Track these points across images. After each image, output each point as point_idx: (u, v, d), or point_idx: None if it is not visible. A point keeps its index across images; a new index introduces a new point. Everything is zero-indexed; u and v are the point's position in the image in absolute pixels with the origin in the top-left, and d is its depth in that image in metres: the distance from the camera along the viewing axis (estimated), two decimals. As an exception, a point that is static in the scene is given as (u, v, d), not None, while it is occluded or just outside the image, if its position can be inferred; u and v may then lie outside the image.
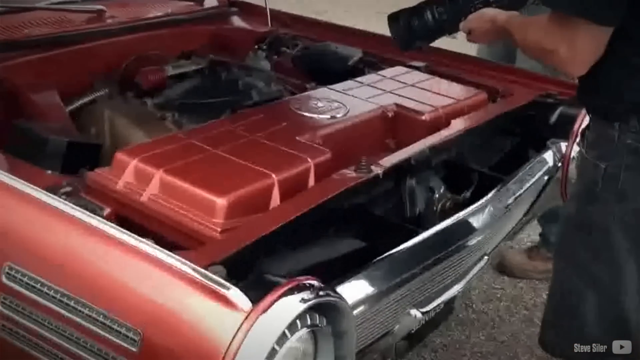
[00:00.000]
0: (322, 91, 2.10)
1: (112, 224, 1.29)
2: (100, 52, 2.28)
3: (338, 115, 1.91)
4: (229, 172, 1.55)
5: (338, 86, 2.14)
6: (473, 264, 1.79)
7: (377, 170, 1.64)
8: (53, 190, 1.45)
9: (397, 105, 2.03)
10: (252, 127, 1.77)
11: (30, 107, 1.94)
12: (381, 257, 1.49)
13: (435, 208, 1.78)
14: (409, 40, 1.82)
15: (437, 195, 1.78)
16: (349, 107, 1.97)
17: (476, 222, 1.74)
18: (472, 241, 1.71)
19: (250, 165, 1.57)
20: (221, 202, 1.44)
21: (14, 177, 1.40)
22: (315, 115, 1.89)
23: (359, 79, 2.23)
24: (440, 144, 1.85)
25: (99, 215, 1.40)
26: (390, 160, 1.71)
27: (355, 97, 2.05)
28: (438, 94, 2.16)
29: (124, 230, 1.26)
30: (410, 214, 1.76)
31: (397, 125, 2.00)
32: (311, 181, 1.62)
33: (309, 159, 1.63)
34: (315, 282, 1.20)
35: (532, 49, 1.52)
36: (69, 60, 2.19)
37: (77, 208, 1.32)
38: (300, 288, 1.16)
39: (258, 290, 1.16)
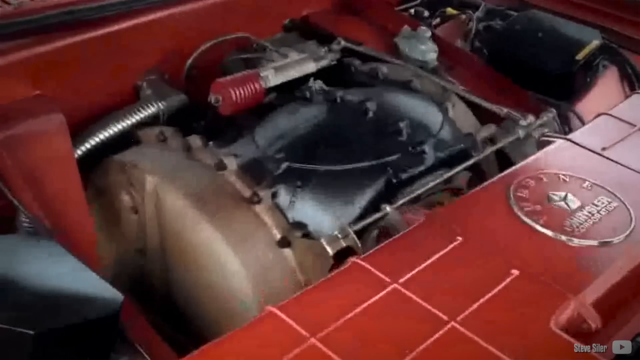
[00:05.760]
0: (562, 152, 1.06)
1: None
2: (137, 38, 1.31)
3: (616, 240, 0.89)
4: None
5: (583, 135, 1.10)
6: None
7: None
8: None
9: None
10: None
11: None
12: None
13: None
14: None
15: None
16: (632, 207, 0.94)
17: None
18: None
19: None
20: None
21: None
22: (570, 239, 0.88)
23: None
24: None
25: None
26: None
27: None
28: None
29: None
30: None
31: None
32: None
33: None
34: None
35: None
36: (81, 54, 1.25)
37: None
38: None
39: None
